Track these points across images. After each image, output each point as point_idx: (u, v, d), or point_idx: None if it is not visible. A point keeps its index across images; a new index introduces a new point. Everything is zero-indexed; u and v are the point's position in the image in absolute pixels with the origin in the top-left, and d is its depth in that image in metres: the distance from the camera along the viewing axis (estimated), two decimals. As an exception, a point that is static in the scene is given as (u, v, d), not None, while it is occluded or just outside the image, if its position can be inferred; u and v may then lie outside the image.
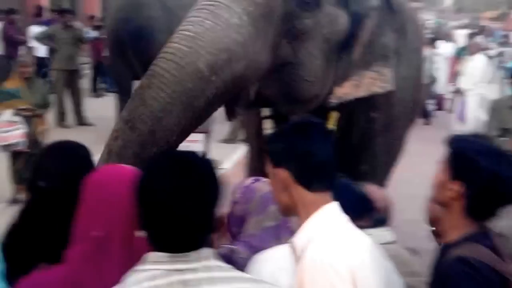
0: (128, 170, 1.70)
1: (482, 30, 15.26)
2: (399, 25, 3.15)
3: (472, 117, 9.06)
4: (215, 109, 2.57)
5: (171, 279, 1.40)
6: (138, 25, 7.69)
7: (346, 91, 2.97)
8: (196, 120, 2.42)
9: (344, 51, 2.93)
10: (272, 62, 2.64)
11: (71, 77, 9.73)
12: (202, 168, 1.48)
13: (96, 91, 12.80)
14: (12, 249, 1.78)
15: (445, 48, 12.09)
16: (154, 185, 1.43)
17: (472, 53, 10.06)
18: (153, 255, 1.45)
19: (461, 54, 11.59)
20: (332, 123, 3.07)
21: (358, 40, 2.94)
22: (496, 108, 4.97)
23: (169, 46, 2.39)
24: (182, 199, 1.41)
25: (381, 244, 1.87)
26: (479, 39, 11.73)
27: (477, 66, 9.62)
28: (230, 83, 2.44)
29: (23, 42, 11.28)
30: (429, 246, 2.23)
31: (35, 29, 11.64)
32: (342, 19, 2.86)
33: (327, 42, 2.83)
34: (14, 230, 1.84)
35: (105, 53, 12.82)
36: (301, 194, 1.67)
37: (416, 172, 7.30)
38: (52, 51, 10.49)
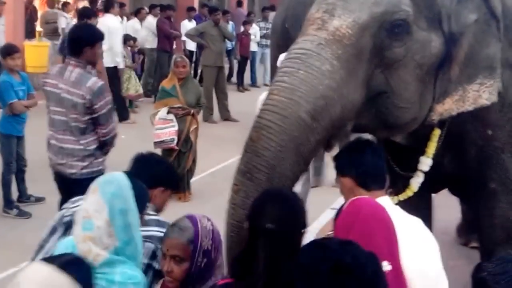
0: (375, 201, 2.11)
1: None
2: (509, 35, 3.08)
3: None
4: (319, 151, 2.75)
5: None
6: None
7: (448, 107, 2.98)
8: (304, 164, 2.60)
9: (441, 70, 2.92)
10: (365, 94, 2.72)
11: (218, 73, 9.93)
12: None
13: (241, 86, 13.04)
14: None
15: None
16: None
17: None
18: None
19: None
20: (434, 140, 3.13)
21: (455, 58, 2.93)
22: None
23: (270, 98, 2.55)
24: None
25: None
26: None
27: None
28: (330, 126, 2.59)
29: (177, 37, 11.61)
30: None
31: (186, 24, 12.05)
32: (434, 43, 2.85)
33: (420, 67, 2.83)
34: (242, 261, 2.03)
35: (252, 48, 13.19)
36: (362, 194, 2.25)
37: None
38: (200, 47, 10.79)
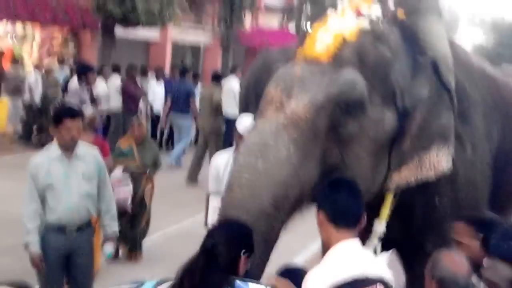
0: None
1: None
2: (459, 108, 3.16)
3: None
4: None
5: None
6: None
7: (405, 175, 3.05)
8: (272, 247, 2.73)
9: (396, 142, 3.01)
10: (321, 170, 2.77)
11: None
12: None
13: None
14: None
15: None
16: None
17: None
18: None
19: None
20: (387, 206, 3.19)
21: (408, 131, 3.02)
22: None
23: (232, 196, 2.65)
24: None
25: None
26: None
27: None
28: (291, 210, 2.71)
29: (141, 97, 11.13)
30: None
31: (153, 85, 11.94)
32: (388, 119, 2.95)
33: (374, 143, 2.90)
34: None
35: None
36: (331, 230, 2.34)
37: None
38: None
